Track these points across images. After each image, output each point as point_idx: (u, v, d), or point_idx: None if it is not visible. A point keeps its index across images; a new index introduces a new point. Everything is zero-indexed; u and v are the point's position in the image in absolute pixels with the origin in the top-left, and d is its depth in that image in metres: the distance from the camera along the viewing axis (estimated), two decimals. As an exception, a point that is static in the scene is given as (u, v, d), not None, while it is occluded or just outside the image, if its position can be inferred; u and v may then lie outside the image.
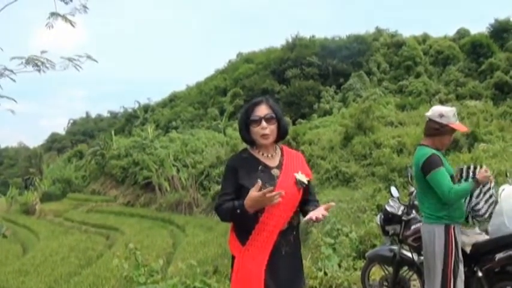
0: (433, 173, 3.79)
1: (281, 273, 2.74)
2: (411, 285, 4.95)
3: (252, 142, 2.89)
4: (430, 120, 3.99)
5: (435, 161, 3.82)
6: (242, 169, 2.79)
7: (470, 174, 4.02)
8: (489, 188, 3.96)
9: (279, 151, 2.95)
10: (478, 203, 3.93)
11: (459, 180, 4.02)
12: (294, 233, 2.85)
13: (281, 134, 2.88)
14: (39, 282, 18.07)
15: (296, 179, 2.79)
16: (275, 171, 2.82)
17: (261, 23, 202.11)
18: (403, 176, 16.65)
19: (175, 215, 30.13)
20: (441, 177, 3.75)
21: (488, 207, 3.97)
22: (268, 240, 2.70)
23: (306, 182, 2.82)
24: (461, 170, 4.11)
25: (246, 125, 2.85)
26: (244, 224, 2.74)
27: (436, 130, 3.94)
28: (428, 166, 3.82)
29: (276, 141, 2.91)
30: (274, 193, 2.50)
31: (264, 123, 2.76)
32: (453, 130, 3.97)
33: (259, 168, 2.82)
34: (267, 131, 2.77)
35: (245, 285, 2.70)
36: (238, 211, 2.65)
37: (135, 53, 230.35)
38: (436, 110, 4.00)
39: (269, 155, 2.88)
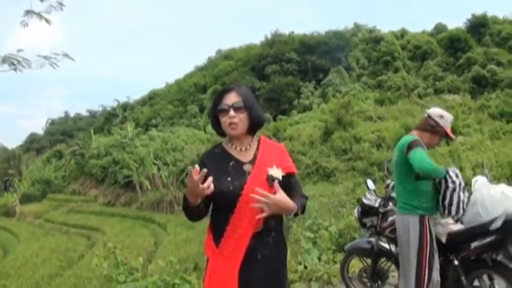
0: (414, 150, 3.86)
1: (256, 279, 2.48)
2: (389, 276, 5.01)
3: (224, 134, 2.64)
4: (429, 117, 4.13)
5: (420, 143, 3.92)
6: (212, 166, 2.47)
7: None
8: (453, 189, 3.98)
9: (255, 144, 2.67)
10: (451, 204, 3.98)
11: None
12: (273, 234, 2.55)
13: (253, 124, 2.59)
14: (21, 285, 17.85)
15: (267, 175, 2.49)
16: (247, 167, 2.55)
17: (240, 20, 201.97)
18: (382, 169, 16.82)
19: (157, 214, 29.96)
20: (421, 152, 3.83)
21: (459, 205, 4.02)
22: (240, 244, 2.46)
23: (280, 178, 2.50)
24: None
25: (216, 116, 2.61)
26: (217, 225, 2.54)
27: (431, 127, 4.08)
28: (411, 144, 3.90)
29: (251, 132, 2.64)
30: (199, 175, 2.22)
31: (232, 112, 2.51)
32: (444, 134, 4.12)
33: (231, 164, 2.56)
34: (234, 120, 2.50)
35: None
36: (183, 202, 2.47)
37: (113, 51, 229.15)
38: (437, 110, 4.19)
39: (243, 149, 2.62)
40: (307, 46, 53.70)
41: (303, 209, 2.58)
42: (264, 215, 2.37)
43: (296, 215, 2.51)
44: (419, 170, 3.80)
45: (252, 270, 2.47)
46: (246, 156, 2.61)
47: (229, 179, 2.47)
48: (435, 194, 4.00)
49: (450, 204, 3.91)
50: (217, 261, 2.51)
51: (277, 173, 2.51)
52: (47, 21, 4.81)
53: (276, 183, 2.41)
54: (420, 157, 3.79)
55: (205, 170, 2.24)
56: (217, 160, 2.58)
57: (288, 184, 2.58)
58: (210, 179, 2.28)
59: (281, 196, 2.38)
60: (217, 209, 2.54)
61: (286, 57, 52.67)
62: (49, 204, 41.99)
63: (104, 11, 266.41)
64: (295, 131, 30.39)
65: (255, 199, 2.35)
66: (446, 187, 3.92)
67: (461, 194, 3.91)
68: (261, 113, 2.65)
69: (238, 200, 2.44)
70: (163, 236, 24.01)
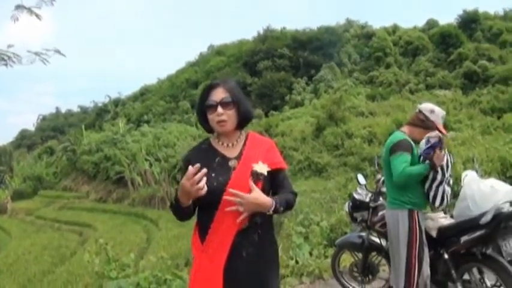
0: (395, 154, 3.89)
1: (241, 277, 2.43)
2: (380, 270, 5.02)
3: (212, 131, 2.58)
4: (420, 112, 4.12)
5: (404, 145, 3.91)
6: (197, 162, 2.31)
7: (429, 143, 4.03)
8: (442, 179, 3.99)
9: (242, 139, 2.60)
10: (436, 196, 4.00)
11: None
12: (260, 232, 2.48)
13: (241, 120, 2.53)
14: (12, 282, 17.79)
15: (252, 170, 2.42)
16: (232, 163, 2.49)
17: (232, 15, 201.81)
18: (373, 165, 16.84)
19: (149, 210, 29.89)
20: (400, 160, 3.83)
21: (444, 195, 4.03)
22: (224, 241, 2.40)
23: (265, 173, 2.43)
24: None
25: (203, 112, 2.54)
26: (202, 222, 2.49)
27: (421, 121, 4.07)
28: (395, 147, 3.92)
29: (239, 127, 2.59)
30: (190, 175, 2.18)
31: (220, 109, 2.44)
32: (435, 129, 4.05)
33: (217, 160, 2.51)
34: (223, 117, 2.45)
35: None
36: (174, 202, 2.41)
37: (104, 47, 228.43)
38: (429, 105, 4.17)
39: (230, 144, 2.57)
40: (299, 42, 53.80)
41: (286, 205, 2.51)
42: (245, 215, 2.35)
43: (276, 211, 2.45)
44: (395, 180, 3.86)
45: (237, 267, 2.42)
46: (232, 152, 2.55)
47: (213, 175, 2.41)
48: (421, 186, 4.03)
49: (435, 196, 3.94)
50: (202, 259, 2.46)
51: (262, 168, 2.44)
52: (38, 16, 4.78)
53: (250, 182, 2.37)
54: (397, 167, 3.82)
55: (205, 170, 2.22)
56: (202, 156, 2.51)
57: (276, 180, 2.56)
58: (204, 179, 2.23)
59: (256, 194, 2.36)
60: (202, 206, 2.48)
61: (278, 53, 52.73)
62: (40, 200, 41.84)
63: (95, 6, 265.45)
64: (287, 127, 30.37)
65: (232, 201, 2.33)
66: (434, 178, 3.94)
67: (446, 187, 3.94)
68: (249, 108, 2.59)
69: (222, 196, 2.38)
70: (155, 232, 23.98)
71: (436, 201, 3.96)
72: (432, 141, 3.86)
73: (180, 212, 2.45)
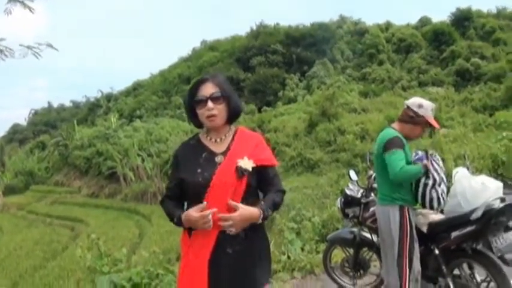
0: (390, 151, 3.86)
1: (224, 273, 2.42)
2: (371, 266, 5.04)
3: (201, 126, 2.59)
4: (408, 108, 4.07)
5: (397, 142, 3.88)
6: (184, 159, 2.49)
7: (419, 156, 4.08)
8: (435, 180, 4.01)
9: (231, 134, 2.59)
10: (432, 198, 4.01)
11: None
12: (246, 229, 2.43)
13: (231, 114, 2.54)
14: (4, 278, 17.68)
15: (236, 166, 2.41)
16: (219, 158, 2.48)
17: (225, 10, 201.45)
18: (365, 161, 16.90)
19: (141, 205, 29.89)
20: (396, 157, 3.81)
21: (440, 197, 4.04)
22: (210, 236, 2.39)
23: (250, 169, 2.42)
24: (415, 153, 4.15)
25: (192, 107, 2.53)
26: None
27: (410, 118, 4.02)
28: (389, 144, 3.89)
29: (228, 122, 2.58)
30: (206, 215, 2.29)
31: (210, 104, 2.43)
32: (427, 123, 4.05)
33: (203, 155, 2.50)
34: (213, 112, 2.43)
35: (189, 283, 2.45)
36: (175, 220, 2.47)
37: (97, 42, 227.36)
38: (416, 100, 4.11)
39: (218, 140, 2.55)
40: (293, 38, 53.80)
41: (274, 208, 2.54)
42: (237, 231, 2.40)
43: (265, 218, 2.46)
44: (393, 178, 3.84)
45: (221, 262, 2.42)
46: (220, 147, 2.54)
47: (199, 170, 2.43)
48: (413, 188, 4.04)
49: (431, 200, 3.94)
50: (189, 255, 2.47)
51: (247, 164, 2.43)
52: (31, 9, 4.77)
53: (231, 202, 2.37)
54: (394, 164, 3.79)
55: (214, 210, 2.31)
56: (190, 152, 2.53)
57: (265, 177, 2.56)
58: (211, 220, 2.32)
59: (241, 211, 2.35)
60: (189, 202, 2.49)
61: (272, 48, 52.70)
62: (32, 195, 41.68)
63: (89, 0, 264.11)
64: (280, 123, 30.41)
65: (223, 225, 2.36)
66: (426, 184, 3.94)
67: (438, 188, 3.94)
68: (238, 102, 2.59)
69: (207, 191, 2.39)
70: (147, 227, 23.97)
71: (433, 204, 3.94)
72: (420, 153, 4.02)
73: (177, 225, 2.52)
